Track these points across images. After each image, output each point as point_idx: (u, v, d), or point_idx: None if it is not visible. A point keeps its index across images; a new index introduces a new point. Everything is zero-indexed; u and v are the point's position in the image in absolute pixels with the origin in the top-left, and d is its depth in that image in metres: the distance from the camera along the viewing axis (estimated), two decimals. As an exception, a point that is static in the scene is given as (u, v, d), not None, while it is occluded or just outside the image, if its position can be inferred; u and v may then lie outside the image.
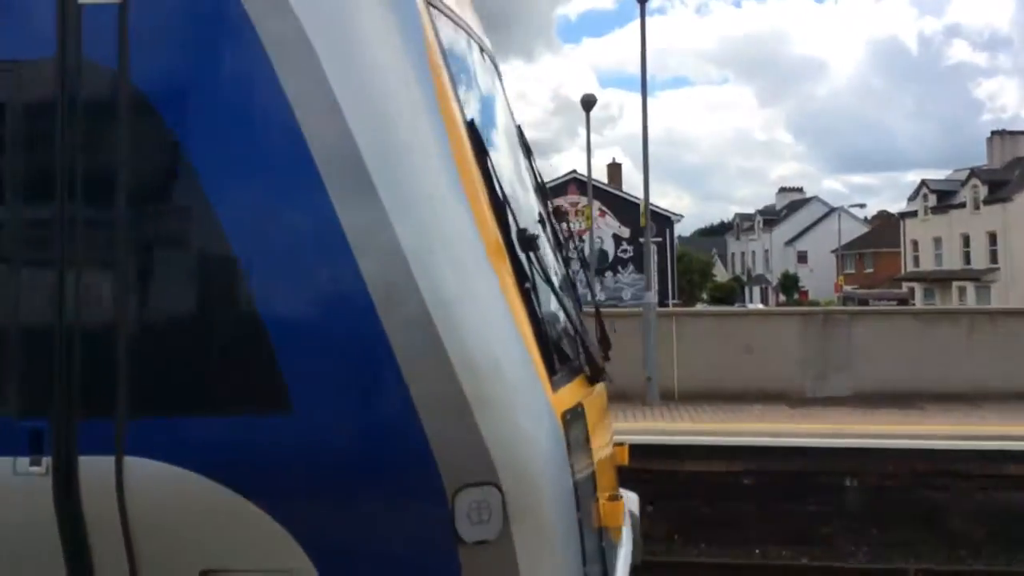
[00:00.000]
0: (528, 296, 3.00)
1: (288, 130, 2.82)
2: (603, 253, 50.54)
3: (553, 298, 3.30)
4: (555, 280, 3.55)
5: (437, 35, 3.09)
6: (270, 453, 2.78)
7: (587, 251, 45.35)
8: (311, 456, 2.77)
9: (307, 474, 2.78)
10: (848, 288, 58.29)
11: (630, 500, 4.53)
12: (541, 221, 3.91)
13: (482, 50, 3.82)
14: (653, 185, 27.83)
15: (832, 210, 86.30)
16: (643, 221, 16.36)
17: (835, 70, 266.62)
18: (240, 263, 2.84)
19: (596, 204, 42.68)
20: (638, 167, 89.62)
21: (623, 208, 50.66)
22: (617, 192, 53.99)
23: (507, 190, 3.19)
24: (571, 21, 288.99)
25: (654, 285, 16.55)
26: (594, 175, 33.87)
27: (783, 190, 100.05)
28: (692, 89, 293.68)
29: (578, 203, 50.09)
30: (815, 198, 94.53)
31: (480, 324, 2.80)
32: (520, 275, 3.01)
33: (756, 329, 14.62)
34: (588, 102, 30.59)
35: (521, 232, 3.04)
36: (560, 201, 52.15)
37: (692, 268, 71.33)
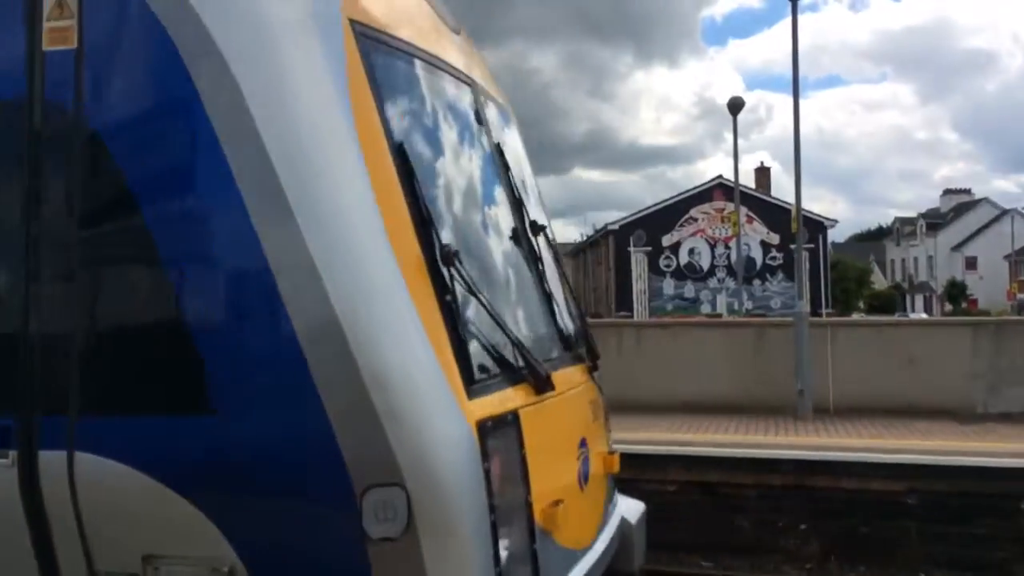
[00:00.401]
0: (448, 309, 3.15)
1: (214, 158, 3.04)
2: (750, 260, 49.23)
3: (488, 311, 3.39)
4: (502, 292, 3.82)
5: (366, 63, 3.26)
6: (196, 452, 3.02)
7: (734, 258, 44.31)
8: (232, 456, 3.00)
9: (229, 472, 3.00)
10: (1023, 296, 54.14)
11: (630, 510, 4.69)
12: (515, 237, 4.10)
13: (462, 79, 4.11)
14: (805, 189, 27.37)
15: (1004, 212, 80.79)
16: (795, 226, 15.78)
17: (1006, 62, 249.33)
18: (173, 280, 3.14)
19: (743, 210, 41.61)
20: (787, 171, 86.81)
21: (771, 213, 49.20)
22: (765, 197, 52.44)
23: (442, 209, 3.44)
24: (716, 23, 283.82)
25: (806, 293, 15.96)
26: (741, 180, 32.91)
27: (948, 192, 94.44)
28: (846, 88, 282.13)
29: (724, 209, 48.98)
30: (985, 200, 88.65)
31: (388, 337, 2.95)
32: (440, 289, 3.15)
33: (920, 339, 13.78)
34: (735, 105, 29.86)
35: (444, 248, 3.18)
36: (706, 208, 51.21)
37: (847, 276, 68.33)
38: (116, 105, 3.21)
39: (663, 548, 9.76)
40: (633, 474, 9.94)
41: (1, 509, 3.18)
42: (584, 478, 4.08)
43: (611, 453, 4.64)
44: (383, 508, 2.91)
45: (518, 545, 3.26)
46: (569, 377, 4.17)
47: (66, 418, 3.13)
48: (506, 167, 4.33)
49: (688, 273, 51.38)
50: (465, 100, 4.17)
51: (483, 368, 3.31)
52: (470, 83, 4.28)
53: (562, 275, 4.85)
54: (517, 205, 4.30)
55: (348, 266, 2.98)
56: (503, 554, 3.10)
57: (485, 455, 3.06)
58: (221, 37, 3.08)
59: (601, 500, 4.41)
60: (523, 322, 3.96)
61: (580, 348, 4.54)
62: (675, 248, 51.36)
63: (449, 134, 3.99)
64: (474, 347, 3.29)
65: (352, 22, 3.29)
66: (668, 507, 9.98)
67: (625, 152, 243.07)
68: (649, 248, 51.04)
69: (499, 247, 4.07)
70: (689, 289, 51.30)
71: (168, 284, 3.13)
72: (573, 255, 68.55)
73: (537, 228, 4.39)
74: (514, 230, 4.18)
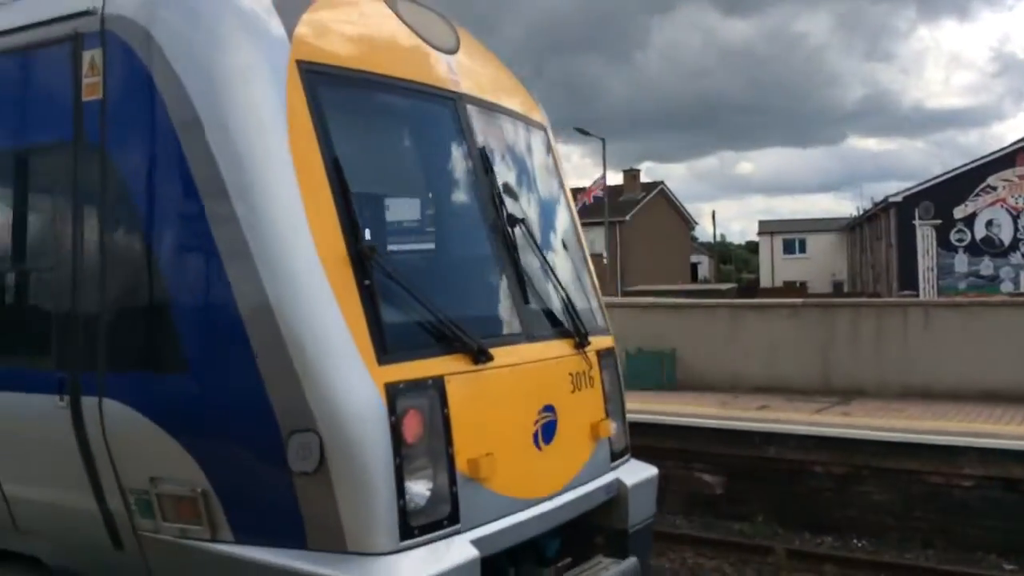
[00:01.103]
0: (366, 293, 3.93)
1: (185, 179, 4.04)
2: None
3: (412, 295, 4.13)
4: (440, 279, 4.75)
5: (308, 94, 4.10)
6: (175, 401, 4.02)
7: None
8: (198, 404, 3.97)
9: (196, 418, 3.97)
10: None
11: (633, 472, 5.43)
12: (478, 229, 4.79)
13: (440, 95, 4.82)
14: None
15: None
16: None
17: None
18: (152, 270, 4.12)
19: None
20: (1112, 128, 73.50)
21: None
22: (1083, 159, 46.04)
23: (371, 211, 4.46)
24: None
25: None
26: (1051, 141, 29.11)
27: None
28: None
29: (1029, 175, 43.76)
30: None
31: (307, 314, 3.79)
32: (360, 277, 3.93)
33: None
34: (1043, 57, 26.41)
35: (362, 244, 3.98)
36: (1007, 174, 45.94)
37: None
38: (124, 139, 4.26)
39: (957, 546, 9.04)
40: (919, 465, 9.38)
41: (61, 437, 4.30)
42: (545, 438, 4.70)
43: (605, 419, 5.25)
44: (302, 449, 3.77)
45: (431, 485, 3.97)
46: (532, 351, 4.73)
47: (96, 373, 4.22)
48: (486, 169, 4.90)
49: (985, 248, 46.47)
50: (437, 113, 4.87)
51: (400, 341, 4.02)
52: (452, 97, 4.93)
53: (563, 261, 5.52)
54: (491, 201, 4.86)
55: (278, 259, 3.85)
56: (410, 490, 3.86)
57: (392, 410, 3.83)
58: (190, 84, 4.05)
59: (576, 459, 4.99)
60: (471, 304, 4.71)
61: (565, 326, 5.10)
62: (969, 220, 46.63)
63: (401, 145, 4.92)
64: (390, 324, 4.00)
65: (299, 62, 4.16)
66: (959, 503, 9.25)
67: (907, 117, 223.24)
68: (938, 221, 46.72)
69: (449, 239, 5.03)
70: (986, 266, 46.40)
71: (158, 277, 4.13)
72: (848, 230, 64.39)
73: (514, 221, 4.91)
74: (481, 223, 4.82)
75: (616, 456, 5.44)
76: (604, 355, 5.44)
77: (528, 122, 5.74)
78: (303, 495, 3.82)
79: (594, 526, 5.19)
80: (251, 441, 3.92)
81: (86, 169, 4.36)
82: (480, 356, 4.29)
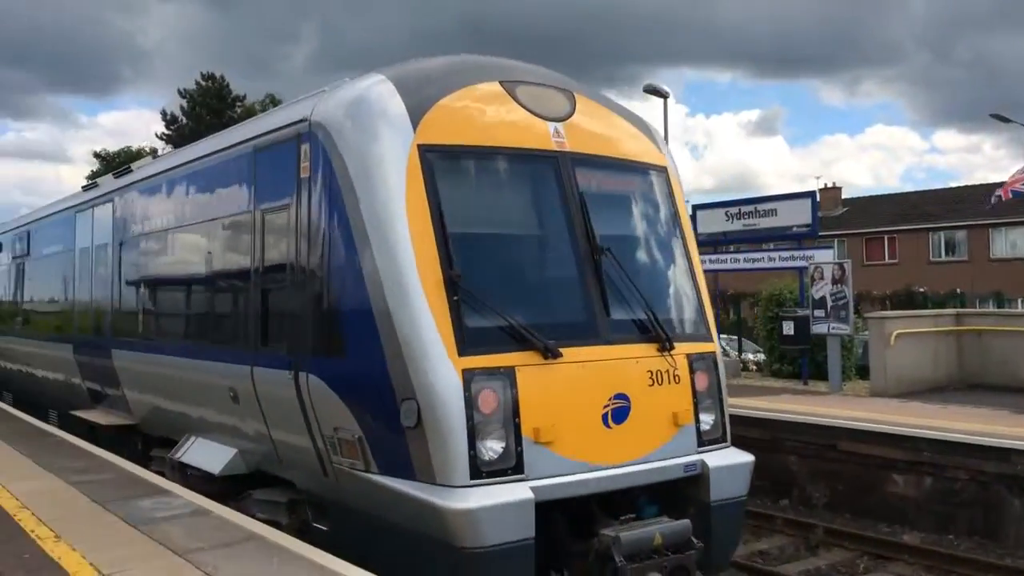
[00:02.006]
0: (453, 306, 5.83)
1: (344, 225, 6.22)
2: None
3: (493, 309, 5.95)
4: (525, 297, 6.30)
5: (424, 166, 6.08)
6: (340, 374, 6.18)
7: None
8: (352, 378, 6.12)
9: (351, 386, 6.10)
10: None
11: (726, 457, 6.77)
12: (566, 260, 6.47)
13: (540, 156, 6.62)
14: None
15: None
16: None
17: None
18: (334, 286, 6.34)
19: None
20: None
21: None
22: None
23: (464, 248, 6.02)
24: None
25: None
26: None
27: None
28: None
29: None
30: None
31: (410, 320, 5.76)
32: (451, 296, 5.84)
33: None
34: None
35: (452, 273, 5.87)
36: None
37: None
38: (318, 201, 6.57)
39: None
40: None
41: (292, 399, 6.72)
42: (615, 419, 6.21)
43: (689, 410, 6.66)
44: (407, 411, 5.74)
45: (499, 443, 5.77)
46: (607, 351, 6.30)
47: (305, 356, 6.54)
48: (581, 208, 6.56)
49: None
50: (536, 169, 6.61)
51: (477, 340, 5.84)
52: (554, 155, 6.64)
53: (657, 282, 7.11)
54: (583, 233, 6.52)
55: (394, 283, 5.87)
56: (480, 445, 5.69)
57: (467, 389, 5.69)
58: (351, 165, 6.26)
59: (651, 439, 6.40)
60: (550, 315, 6.33)
61: (650, 332, 6.60)
62: None
63: (500, 195, 6.57)
64: (470, 328, 5.85)
65: (419, 145, 6.14)
66: None
67: None
68: None
69: (538, 264, 6.64)
70: None
71: (329, 291, 6.40)
72: None
73: (601, 249, 6.50)
74: (570, 251, 6.49)
75: (705, 442, 6.74)
76: (696, 358, 6.81)
77: (640, 166, 7.30)
78: (409, 443, 5.80)
79: (685, 498, 6.59)
80: (380, 404, 5.95)
81: (300, 221, 6.77)
82: (548, 353, 5.99)
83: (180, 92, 59.57)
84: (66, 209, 13.32)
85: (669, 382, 6.53)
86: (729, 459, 6.83)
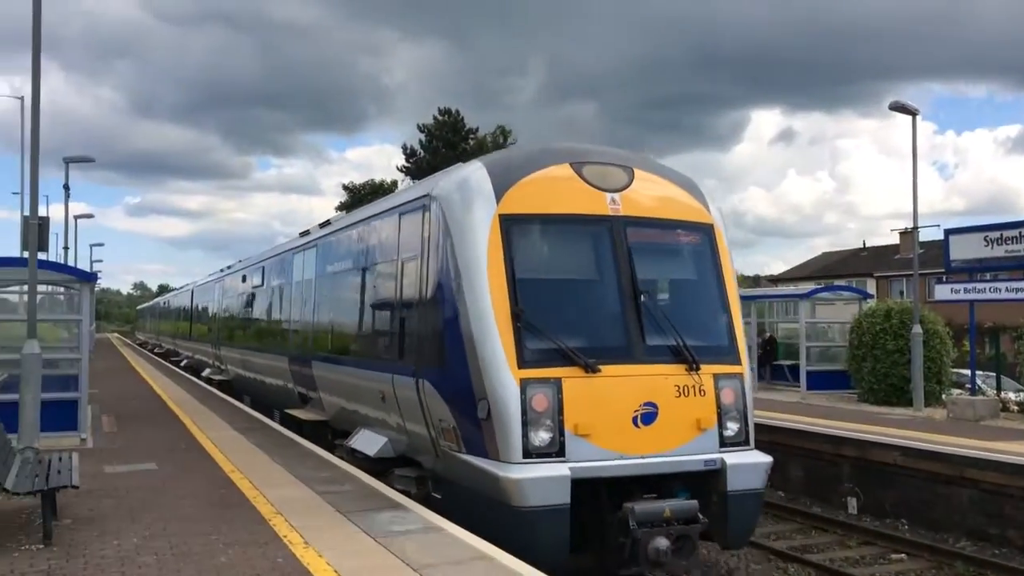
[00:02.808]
0: (517, 335, 7.87)
1: (452, 274, 8.31)
2: None
3: (545, 335, 7.95)
4: (574, 327, 8.18)
5: (503, 231, 8.20)
6: (441, 380, 8.37)
7: None
8: (448, 382, 8.25)
9: (448, 388, 8.27)
10: None
11: (745, 457, 8.43)
12: (610, 300, 8.45)
13: (595, 221, 8.61)
14: None
15: None
16: None
17: None
18: (441, 316, 8.44)
19: None
20: None
21: None
22: None
23: (529, 292, 8.08)
24: None
25: None
26: None
27: None
28: None
29: None
30: None
31: (486, 342, 7.85)
32: (515, 326, 7.88)
33: None
34: None
35: (516, 310, 7.95)
36: None
37: None
38: (435, 255, 8.70)
39: None
40: None
41: (414, 399, 8.89)
42: (644, 422, 8.05)
43: (712, 418, 8.37)
44: (482, 407, 7.78)
45: (546, 434, 7.74)
46: (641, 369, 8.18)
47: (419, 367, 8.75)
48: (629, 259, 8.52)
49: None
50: (594, 230, 8.62)
51: (534, 358, 7.86)
52: (609, 219, 8.64)
53: (693, 316, 8.96)
54: (629, 278, 8.47)
55: (476, 315, 7.96)
56: (532, 434, 7.68)
57: (524, 393, 7.70)
58: (453, 228, 8.44)
59: (675, 438, 8.16)
60: (595, 340, 8.24)
61: (686, 355, 8.36)
62: None
63: (563, 251, 8.70)
64: (529, 349, 7.88)
65: (500, 215, 8.27)
66: None
67: None
68: None
69: (588, 301, 8.54)
70: None
71: (440, 318, 8.44)
72: None
73: (640, 291, 8.44)
74: (616, 291, 8.46)
75: (728, 444, 8.44)
76: (722, 377, 8.56)
77: (685, 223, 9.16)
78: (483, 431, 7.93)
79: (709, 488, 8.35)
80: (465, 402, 8.07)
81: (425, 269, 8.99)
82: (589, 369, 8.00)
83: (419, 127, 63.18)
84: (286, 251, 17.01)
85: (695, 395, 8.37)
86: (747, 459, 8.50)
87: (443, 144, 61.25)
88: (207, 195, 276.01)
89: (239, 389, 21.40)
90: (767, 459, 8.65)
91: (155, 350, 49.80)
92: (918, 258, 19.68)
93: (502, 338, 7.88)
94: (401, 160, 65.33)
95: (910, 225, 20.61)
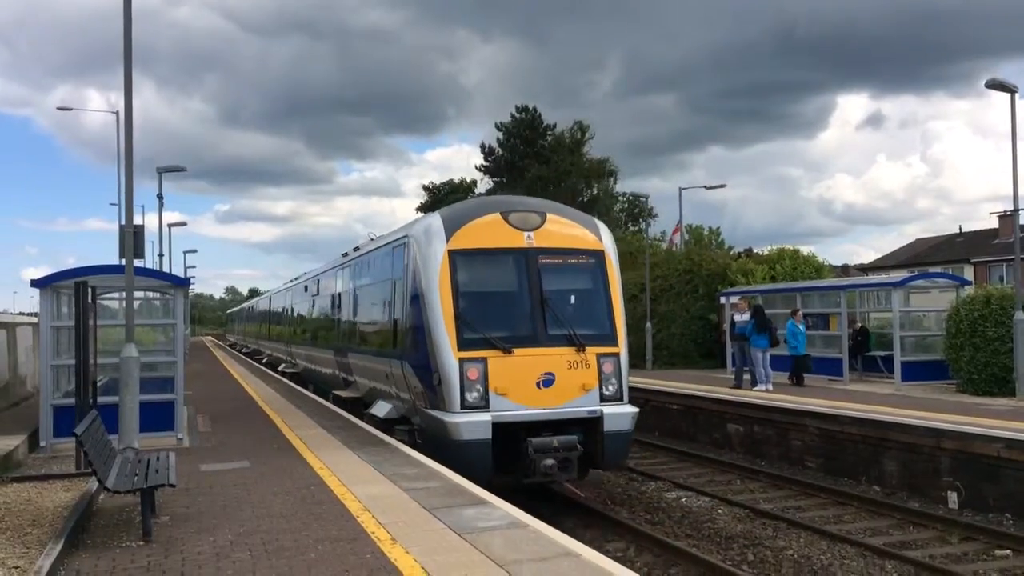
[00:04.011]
0: (459, 328, 11.85)
1: (414, 287, 12.60)
2: None
3: (477, 329, 11.88)
4: (498, 322, 12.12)
5: (450, 261, 12.22)
6: (415, 360, 12.61)
7: None
8: (417, 362, 12.47)
9: (416, 366, 12.54)
10: None
11: (616, 410, 12.17)
12: (523, 303, 12.36)
13: (514, 252, 12.53)
14: None
15: None
16: None
17: None
18: (414, 317, 12.55)
19: None
20: None
21: None
22: None
23: (467, 300, 12.11)
24: None
25: None
26: None
27: None
28: None
29: None
30: None
31: (438, 333, 11.88)
32: (458, 322, 11.89)
33: None
34: None
35: (459, 311, 11.96)
36: None
37: None
38: (407, 277, 13.02)
39: None
40: None
41: (402, 376, 13.16)
42: (544, 385, 11.88)
43: (595, 383, 12.18)
44: (436, 377, 11.82)
45: (477, 393, 11.65)
46: (543, 351, 12.00)
47: (403, 352, 13.08)
48: (538, 277, 12.37)
49: None
50: (513, 259, 12.47)
51: (468, 344, 11.76)
52: (524, 251, 12.47)
53: (583, 313, 12.63)
54: (537, 290, 12.32)
55: (433, 318, 11.96)
56: (467, 395, 11.62)
57: (461, 367, 11.65)
58: (419, 259, 12.54)
59: (567, 396, 11.98)
60: (511, 331, 12.03)
61: (572, 341, 12.14)
62: None
63: (488, 276, 12.46)
64: (465, 339, 11.78)
65: (449, 250, 12.25)
66: None
67: None
68: None
69: (507, 305, 12.33)
70: None
71: (412, 320, 12.56)
72: None
73: (545, 298, 12.27)
74: (527, 297, 12.29)
75: (606, 399, 12.22)
76: (603, 355, 12.34)
77: (583, 251, 12.96)
78: (437, 393, 11.75)
79: (594, 429, 12.10)
80: (427, 374, 11.99)
81: (406, 286, 12.97)
82: (505, 351, 11.76)
83: (497, 126, 63.58)
84: (330, 268, 22.46)
85: (582, 367, 12.21)
86: (619, 410, 12.27)
87: (521, 142, 61.44)
88: (292, 200, 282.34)
89: (306, 379, 25.86)
90: (634, 410, 12.50)
91: (243, 350, 53.29)
92: (1020, 241, 18.79)
93: (448, 331, 11.86)
94: (480, 159, 65.86)
95: (1009, 208, 19.67)
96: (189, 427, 14.39)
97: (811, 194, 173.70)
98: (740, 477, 15.46)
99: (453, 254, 12.21)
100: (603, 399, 12.17)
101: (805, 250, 31.19)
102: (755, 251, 34.76)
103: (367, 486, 9.26)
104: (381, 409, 14.44)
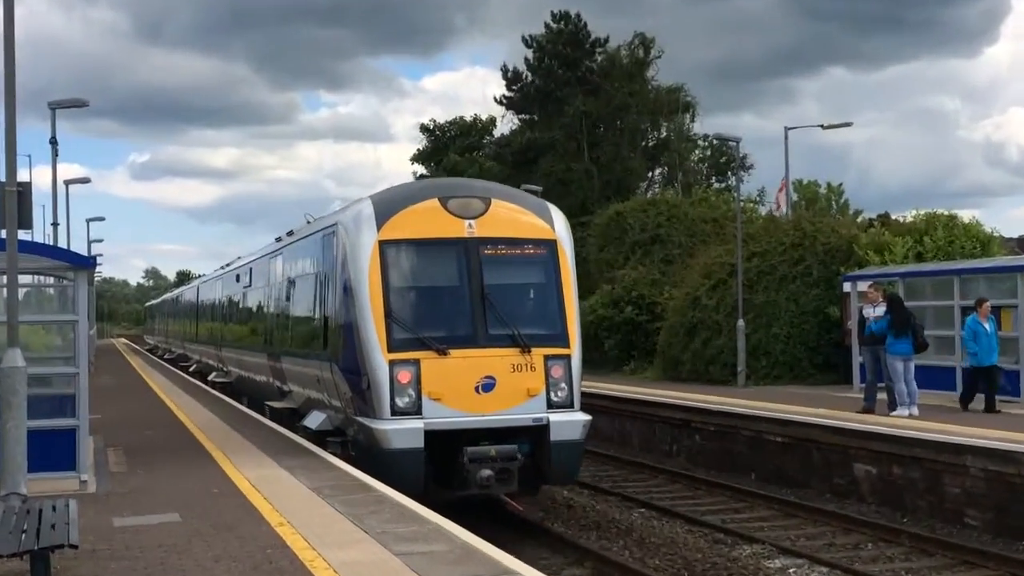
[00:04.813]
0: (389, 328, 15.01)
1: (344, 278, 15.98)
2: None
3: (410, 329, 15.10)
4: (434, 321, 15.44)
5: (380, 251, 15.35)
6: (344, 363, 16.00)
7: None
8: (347, 365, 15.86)
9: (345, 368, 15.90)
10: None
11: (564, 417, 15.08)
12: (463, 299, 15.55)
13: (451, 242, 15.66)
14: None
15: None
16: None
17: None
18: (342, 316, 16.08)
19: None
20: None
21: None
22: None
23: (400, 295, 15.45)
24: None
25: None
26: None
27: None
28: None
29: None
30: None
31: (366, 332, 15.05)
32: (388, 321, 15.04)
33: None
34: None
35: (388, 308, 15.10)
36: None
37: None
38: (336, 267, 16.46)
39: None
40: None
41: (331, 378, 16.75)
42: (484, 390, 14.85)
43: (540, 388, 15.04)
44: (364, 381, 15.03)
45: (408, 399, 14.74)
46: (483, 351, 15.04)
47: (331, 355, 16.65)
48: (480, 272, 15.37)
49: None
50: (452, 251, 15.65)
51: (400, 344, 14.89)
52: (463, 240, 15.48)
53: (530, 310, 16.12)
54: (478, 283, 15.35)
55: (361, 316, 15.15)
56: (398, 400, 14.71)
57: (392, 370, 14.76)
58: (348, 249, 15.88)
59: (509, 402, 14.92)
60: (447, 330, 15.25)
61: (519, 341, 15.03)
62: None
63: (423, 269, 15.90)
64: (396, 339, 14.95)
65: (379, 241, 15.40)
66: None
67: None
68: None
69: (445, 301, 15.87)
70: None
71: (341, 319, 16.12)
72: None
73: (486, 293, 15.26)
74: (467, 293, 15.45)
75: (554, 406, 14.99)
76: (551, 357, 15.13)
77: (532, 241, 15.88)
78: (366, 398, 14.95)
79: (541, 438, 14.86)
80: (356, 378, 15.29)
81: (331, 281, 16.84)
82: (441, 352, 14.83)
83: (525, 40, 62.73)
84: (264, 255, 25.78)
85: (527, 370, 14.89)
86: (568, 417, 14.99)
87: (559, 63, 60.89)
88: (237, 147, 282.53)
89: (239, 390, 29.25)
90: (586, 417, 15.35)
91: (165, 356, 55.56)
92: None
93: (377, 330, 14.67)
94: (500, 88, 65.49)
95: None
96: (96, 465, 14.54)
97: (973, 136, 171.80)
98: (872, 539, 15.44)
99: (384, 245, 15.20)
100: (551, 405, 15.03)
101: (965, 216, 30.89)
102: (893, 218, 34.50)
103: (345, 549, 9.33)
104: (314, 420, 17.70)
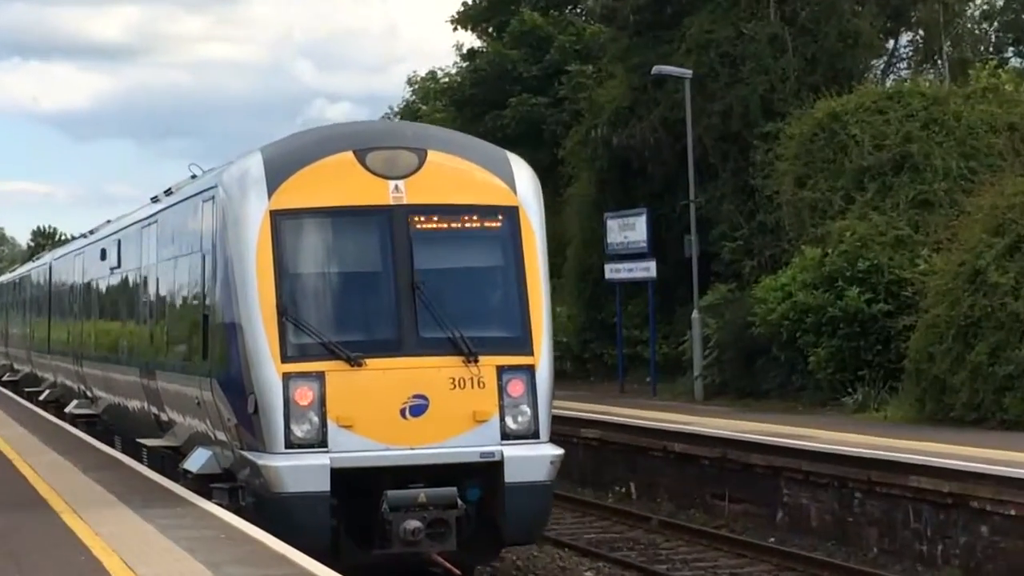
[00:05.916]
0: (282, 330, 11.94)
1: (224, 261, 13.02)
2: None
3: (309, 332, 12.00)
4: (343, 323, 12.34)
5: (273, 225, 12.17)
6: (225, 377, 12.97)
7: None
8: (228, 380, 12.81)
9: (227, 386, 12.83)
10: None
11: (523, 450, 11.78)
12: (384, 291, 12.39)
13: (372, 211, 12.48)
14: None
15: None
16: None
17: None
18: (222, 313, 13.22)
19: None
20: None
21: None
22: None
23: (297, 285, 12.33)
24: None
25: None
26: None
27: None
28: None
29: None
30: None
31: (252, 336, 12.12)
32: (280, 322, 11.97)
33: None
34: None
35: (280, 305, 11.96)
36: None
37: None
38: (216, 243, 13.38)
39: None
40: None
41: (212, 399, 13.48)
42: (413, 414, 11.65)
43: (490, 411, 11.85)
44: (251, 401, 12.04)
45: (309, 425, 11.71)
46: (411, 362, 11.90)
47: (211, 367, 13.55)
48: (409, 253, 12.13)
49: None
50: (370, 224, 12.50)
51: (297, 352, 12.03)
52: (387, 209, 12.24)
53: (481, 305, 12.87)
54: (406, 269, 12.10)
55: (246, 314, 12.29)
56: (293, 426, 11.71)
57: (287, 387, 11.77)
58: (228, 220, 12.92)
59: (447, 431, 11.76)
60: (361, 333, 12.23)
61: (463, 347, 11.88)
62: None
63: (330, 249, 12.68)
64: (292, 343, 12.04)
65: (271, 211, 12.24)
66: None
67: None
68: None
69: (356, 293, 12.67)
70: None
71: (221, 318, 13.20)
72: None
73: (417, 283, 11.96)
74: (389, 282, 12.24)
75: (511, 436, 11.86)
76: (508, 369, 11.96)
77: (484, 209, 12.54)
78: (254, 425, 11.97)
79: (493, 479, 11.87)
80: (239, 398, 12.25)
81: (210, 266, 13.69)
82: (352, 362, 11.77)
83: None
84: (133, 224, 20.18)
85: (473, 387, 11.79)
86: (528, 451, 11.84)
87: None
88: (137, 6, 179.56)
89: (109, 425, 21.43)
90: (555, 451, 12.16)
91: (3, 376, 41.31)
92: None
93: (267, 333, 11.69)
94: None
95: None
96: None
97: None
98: None
99: (278, 216, 12.02)
100: (506, 435, 11.80)
101: None
102: None
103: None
104: (196, 461, 13.99)
